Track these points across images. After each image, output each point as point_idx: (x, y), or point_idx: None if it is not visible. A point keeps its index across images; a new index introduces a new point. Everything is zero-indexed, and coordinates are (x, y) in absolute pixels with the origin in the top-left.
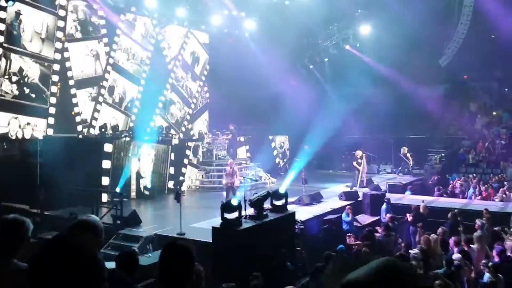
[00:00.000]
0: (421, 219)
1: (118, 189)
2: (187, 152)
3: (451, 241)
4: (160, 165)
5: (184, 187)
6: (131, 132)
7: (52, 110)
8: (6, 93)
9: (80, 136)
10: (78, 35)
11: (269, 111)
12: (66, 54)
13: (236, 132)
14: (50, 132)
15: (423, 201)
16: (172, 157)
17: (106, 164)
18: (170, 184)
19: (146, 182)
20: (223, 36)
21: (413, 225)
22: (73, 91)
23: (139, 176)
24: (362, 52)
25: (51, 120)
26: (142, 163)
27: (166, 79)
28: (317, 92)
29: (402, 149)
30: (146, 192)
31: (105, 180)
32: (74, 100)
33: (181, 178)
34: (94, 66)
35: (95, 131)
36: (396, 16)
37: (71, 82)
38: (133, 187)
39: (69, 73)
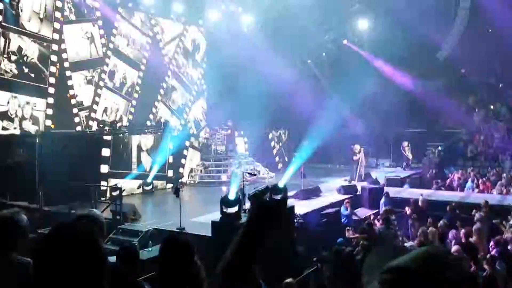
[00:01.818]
0: (420, 212)
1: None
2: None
3: (450, 234)
4: (160, 140)
5: (184, 178)
6: (129, 127)
7: (51, 90)
8: (6, 72)
9: (79, 128)
10: (73, 17)
11: (268, 106)
12: (58, 36)
13: (234, 127)
14: (50, 112)
15: (421, 195)
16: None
17: (105, 159)
18: (171, 159)
19: (147, 162)
20: (221, 31)
21: (411, 218)
22: (68, 73)
23: (140, 149)
24: (360, 46)
25: (51, 100)
26: (142, 136)
27: (167, 65)
28: (316, 87)
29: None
30: (147, 188)
31: (104, 175)
32: (69, 83)
33: (180, 170)
34: (89, 48)
35: (96, 115)
36: (393, 10)
37: (66, 64)
38: (134, 159)
39: (64, 55)
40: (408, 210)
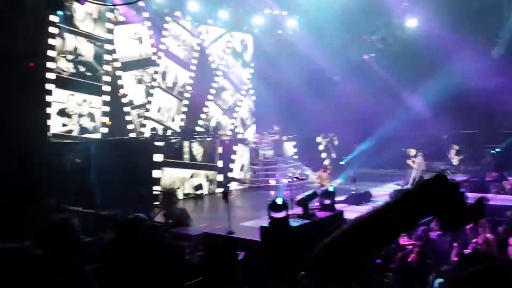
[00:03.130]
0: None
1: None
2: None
3: (510, 241)
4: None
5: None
6: (180, 135)
7: (106, 88)
8: (63, 70)
9: (131, 127)
10: (121, 18)
11: (316, 109)
12: (112, 36)
13: (281, 132)
14: (106, 109)
15: None
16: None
17: (159, 148)
18: (220, 149)
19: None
20: (266, 36)
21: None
22: (118, 72)
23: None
24: (409, 46)
25: (106, 98)
26: None
27: (216, 65)
28: (364, 88)
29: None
30: (197, 192)
31: (158, 164)
32: (119, 82)
33: (229, 174)
34: (138, 49)
35: (149, 114)
36: (443, 7)
37: (117, 64)
38: (186, 149)
39: (114, 55)
40: None
